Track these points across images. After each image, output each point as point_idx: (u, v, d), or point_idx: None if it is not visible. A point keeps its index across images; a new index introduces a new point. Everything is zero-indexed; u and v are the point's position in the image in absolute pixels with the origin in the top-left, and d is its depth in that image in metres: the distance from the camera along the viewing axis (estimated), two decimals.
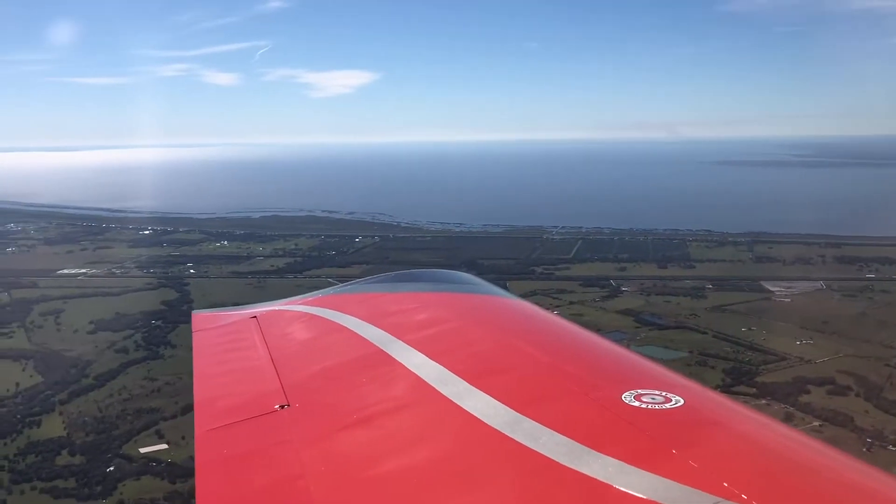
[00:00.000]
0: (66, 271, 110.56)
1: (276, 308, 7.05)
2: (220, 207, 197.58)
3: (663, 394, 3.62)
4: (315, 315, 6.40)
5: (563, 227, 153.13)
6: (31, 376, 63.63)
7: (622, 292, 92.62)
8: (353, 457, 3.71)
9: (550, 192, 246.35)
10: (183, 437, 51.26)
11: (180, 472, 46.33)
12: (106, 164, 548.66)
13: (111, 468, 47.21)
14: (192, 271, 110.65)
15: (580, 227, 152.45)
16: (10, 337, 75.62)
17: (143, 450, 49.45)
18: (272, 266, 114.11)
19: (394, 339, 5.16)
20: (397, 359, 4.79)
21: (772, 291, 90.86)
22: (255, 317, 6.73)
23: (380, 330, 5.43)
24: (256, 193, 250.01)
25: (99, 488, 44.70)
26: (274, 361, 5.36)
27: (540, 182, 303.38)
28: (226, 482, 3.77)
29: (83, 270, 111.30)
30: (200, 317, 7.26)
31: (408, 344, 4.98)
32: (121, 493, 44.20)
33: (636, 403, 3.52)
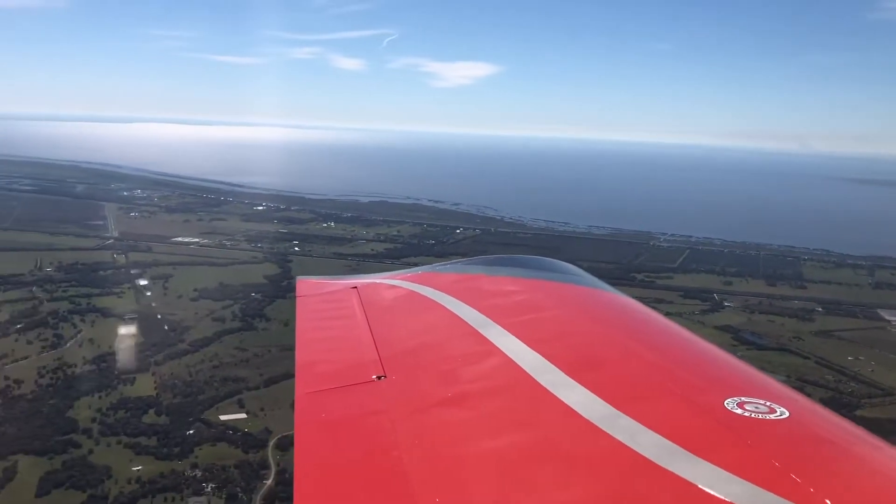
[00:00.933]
0: (180, 239, 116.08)
1: (377, 281, 7.17)
2: (331, 189, 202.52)
3: (768, 403, 3.51)
4: (414, 291, 6.46)
5: (671, 235, 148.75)
6: (133, 336, 67.02)
7: (724, 307, 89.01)
8: (445, 434, 3.72)
9: (664, 198, 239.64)
10: (262, 409, 52.98)
11: (254, 442, 47.89)
12: (233, 139, 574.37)
13: (191, 431, 49.12)
14: (296, 249, 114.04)
15: (690, 236, 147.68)
16: (121, 297, 79.91)
17: (223, 417, 51.26)
18: (372, 250, 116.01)
19: (491, 322, 5.14)
20: (494, 342, 4.77)
21: (888, 321, 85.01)
22: (355, 287, 6.89)
23: (477, 311, 5.42)
24: (368, 178, 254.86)
25: (177, 449, 46.53)
26: (372, 332, 5.44)
27: (655, 186, 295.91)
28: (323, 445, 3.82)
29: (196, 239, 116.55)
30: (305, 283, 7.46)
31: (505, 328, 4.95)
32: (196, 457, 45.86)
33: (739, 411, 3.43)
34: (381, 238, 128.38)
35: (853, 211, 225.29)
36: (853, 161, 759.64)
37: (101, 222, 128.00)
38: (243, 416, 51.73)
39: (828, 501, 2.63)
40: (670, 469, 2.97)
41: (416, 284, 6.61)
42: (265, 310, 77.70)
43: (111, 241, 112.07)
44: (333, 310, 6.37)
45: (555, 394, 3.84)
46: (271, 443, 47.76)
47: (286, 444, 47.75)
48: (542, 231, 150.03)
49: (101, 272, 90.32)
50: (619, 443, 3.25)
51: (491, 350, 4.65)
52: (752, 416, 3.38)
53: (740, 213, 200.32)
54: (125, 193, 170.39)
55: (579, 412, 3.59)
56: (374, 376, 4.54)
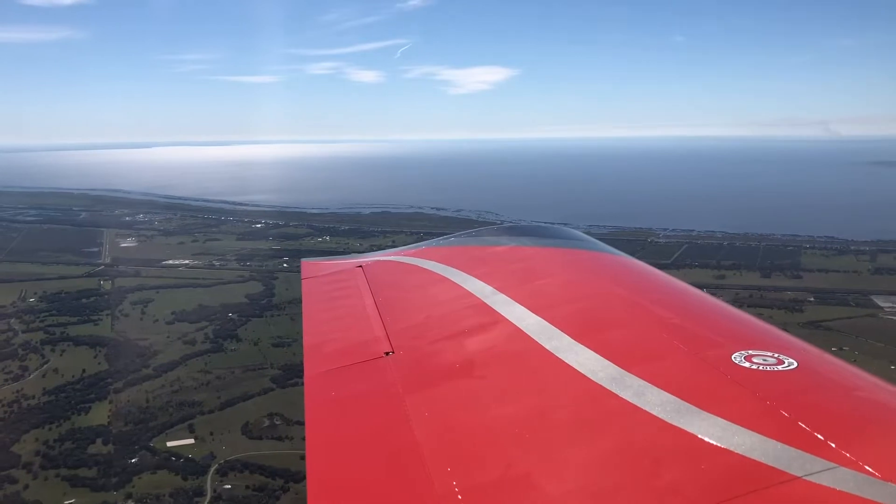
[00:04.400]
0: (170, 262, 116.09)
1: (382, 258, 7.24)
2: (335, 203, 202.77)
3: (776, 355, 3.50)
4: (419, 266, 6.48)
5: (672, 230, 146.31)
6: (99, 363, 66.72)
7: None
8: (456, 406, 3.73)
9: (672, 192, 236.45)
10: (211, 434, 52.22)
11: (195, 468, 47.12)
12: (248, 158, 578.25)
13: (134, 460, 48.45)
14: (285, 265, 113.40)
15: (691, 230, 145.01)
16: (97, 324, 79.82)
17: (170, 443, 50.54)
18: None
19: (496, 291, 5.17)
20: (500, 312, 4.78)
21: (881, 308, 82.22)
22: (360, 266, 6.91)
23: (482, 282, 5.45)
24: (374, 189, 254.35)
25: (115, 479, 45.89)
26: (379, 309, 5.46)
27: (664, 181, 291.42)
28: (334, 423, 3.83)
29: (186, 261, 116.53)
30: (310, 265, 7.47)
31: (510, 297, 4.98)
32: (132, 486, 45.18)
33: (746, 364, 3.42)
34: (375, 249, 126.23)
35: (867, 195, 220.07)
36: (882, 143, 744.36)
37: (96, 249, 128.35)
38: (191, 441, 50.98)
39: (833, 445, 2.66)
40: (678, 425, 2.99)
41: (421, 259, 6.63)
42: (239, 330, 77.22)
43: (102, 267, 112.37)
44: (339, 289, 6.36)
45: (562, 358, 3.86)
46: (212, 468, 46.90)
47: (226, 469, 46.96)
48: None
49: (84, 300, 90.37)
50: (627, 402, 3.26)
51: (497, 319, 4.67)
52: (760, 368, 3.37)
53: (749, 203, 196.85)
54: (127, 219, 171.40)
55: (586, 375, 3.61)
56: (383, 352, 4.55)
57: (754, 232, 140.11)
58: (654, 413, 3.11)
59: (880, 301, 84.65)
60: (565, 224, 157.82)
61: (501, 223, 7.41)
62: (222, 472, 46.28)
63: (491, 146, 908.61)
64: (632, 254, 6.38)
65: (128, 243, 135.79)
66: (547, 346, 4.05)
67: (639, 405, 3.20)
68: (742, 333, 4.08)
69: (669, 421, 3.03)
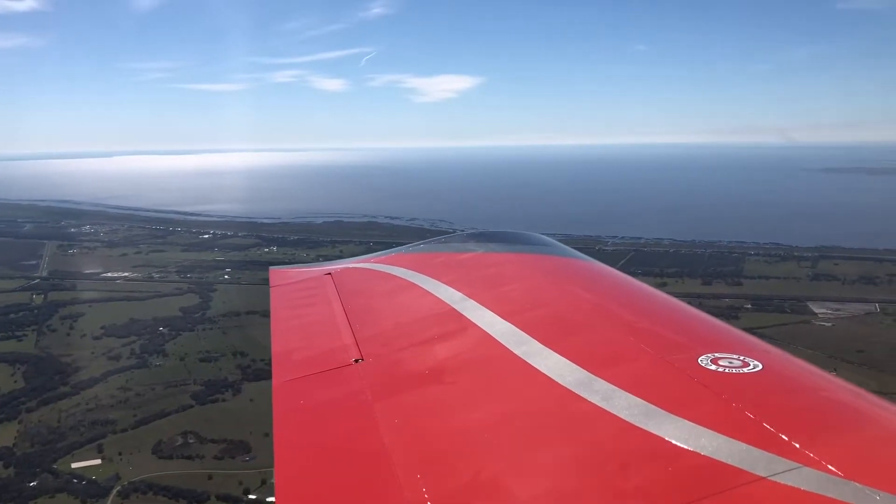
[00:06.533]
0: (109, 274, 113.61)
1: (351, 265, 7.16)
2: (289, 212, 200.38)
3: (741, 358, 3.52)
4: (388, 273, 6.43)
5: (621, 238, 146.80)
6: (15, 381, 64.59)
7: None
8: (426, 412, 3.73)
9: (625, 200, 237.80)
10: (120, 454, 50.57)
11: (97, 490, 45.52)
12: (210, 167, 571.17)
13: (34, 483, 46.62)
14: (226, 277, 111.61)
15: (640, 238, 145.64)
16: (21, 340, 77.54)
17: (74, 465, 48.79)
18: (302, 264, 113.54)
19: (465, 297, 5.16)
20: (469, 317, 4.77)
21: (815, 314, 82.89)
22: (329, 273, 6.81)
23: (451, 289, 5.42)
24: (331, 198, 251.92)
25: None
26: (348, 317, 5.41)
27: (618, 189, 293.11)
28: (302, 432, 3.79)
29: (125, 274, 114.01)
30: (278, 273, 7.43)
31: (480, 303, 4.97)
32: None
33: (713, 367, 3.46)
34: (321, 259, 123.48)
35: (815, 201, 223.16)
36: (834, 150, 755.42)
37: (34, 262, 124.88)
38: (97, 462, 49.29)
39: (797, 445, 2.70)
40: (646, 428, 3.01)
41: (391, 266, 6.60)
42: (167, 345, 75.50)
43: (37, 280, 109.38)
44: (307, 297, 6.34)
45: (531, 363, 3.88)
46: (115, 490, 45.28)
47: (129, 491, 45.38)
48: None
49: (13, 315, 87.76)
50: (595, 406, 3.29)
51: (467, 325, 4.68)
52: (726, 371, 3.40)
53: (701, 211, 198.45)
54: (72, 230, 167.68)
55: (555, 379, 3.63)
56: (352, 360, 4.51)
57: (702, 239, 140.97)
58: (622, 416, 3.13)
59: (815, 307, 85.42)
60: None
61: (466, 231, 7.62)
62: (124, 495, 44.74)
63: (456, 154, 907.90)
64: None
65: (68, 256, 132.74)
66: (516, 352, 4.07)
67: (607, 409, 3.23)
68: (708, 336, 4.10)
69: (637, 424, 3.05)
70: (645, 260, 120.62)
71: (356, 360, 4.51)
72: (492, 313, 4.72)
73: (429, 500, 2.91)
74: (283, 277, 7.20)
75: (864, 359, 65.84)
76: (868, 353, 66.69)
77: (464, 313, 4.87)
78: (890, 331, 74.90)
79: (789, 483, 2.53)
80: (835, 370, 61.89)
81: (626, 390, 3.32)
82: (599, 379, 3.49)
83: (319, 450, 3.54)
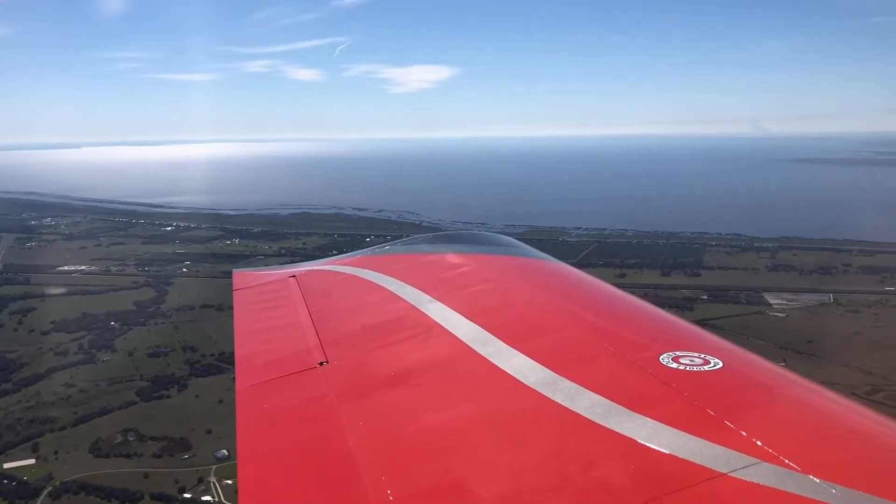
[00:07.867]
0: (65, 268, 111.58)
1: (315, 268, 7.10)
2: (255, 204, 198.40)
3: (702, 356, 3.59)
4: (353, 275, 6.40)
5: (585, 229, 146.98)
6: None
7: None
8: (391, 414, 3.73)
9: (591, 191, 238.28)
10: (56, 453, 49.63)
11: (26, 492, 44.49)
12: (181, 158, 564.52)
13: None
14: (184, 270, 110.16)
15: (603, 229, 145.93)
16: None
17: (7, 465, 47.69)
18: (266, 266, 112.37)
19: (431, 299, 5.15)
20: (434, 318, 4.79)
21: (770, 304, 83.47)
22: (293, 276, 6.77)
23: (417, 290, 5.43)
24: (299, 190, 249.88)
25: None
26: (313, 320, 5.35)
27: (585, 180, 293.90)
28: (266, 436, 3.75)
29: (82, 267, 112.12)
30: (241, 275, 7.30)
31: (445, 304, 4.98)
32: None
33: (674, 365, 3.51)
34: (283, 252, 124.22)
35: (781, 191, 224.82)
36: (804, 140, 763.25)
37: None
38: (31, 462, 48.23)
39: (756, 441, 2.75)
40: (608, 426, 3.06)
41: (356, 268, 6.58)
42: (117, 340, 74.38)
43: None
44: (271, 300, 6.27)
45: (496, 364, 3.90)
46: (46, 491, 44.35)
47: (60, 492, 44.49)
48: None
49: None
50: (559, 405, 3.32)
51: (432, 326, 4.69)
52: (687, 369, 3.46)
53: (666, 202, 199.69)
54: (32, 223, 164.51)
55: (519, 379, 3.65)
56: (317, 363, 4.47)
57: (664, 230, 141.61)
58: (585, 415, 3.17)
59: (771, 298, 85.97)
60: (482, 224, 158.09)
61: (438, 234, 7.39)
62: (55, 496, 43.79)
63: (431, 145, 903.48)
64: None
65: (25, 249, 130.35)
66: (482, 353, 4.08)
67: (570, 408, 3.26)
68: (670, 335, 4.14)
69: (600, 422, 3.09)
70: (606, 251, 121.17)
71: (321, 363, 4.47)
72: (457, 314, 4.75)
73: (394, 502, 2.89)
74: (247, 280, 7.12)
75: (813, 349, 66.27)
76: (817, 344, 67.07)
77: (430, 315, 4.89)
78: (842, 321, 75.49)
79: (749, 479, 2.57)
80: (783, 361, 62.40)
81: (590, 389, 3.36)
82: (563, 378, 3.53)
83: (284, 455, 3.48)
